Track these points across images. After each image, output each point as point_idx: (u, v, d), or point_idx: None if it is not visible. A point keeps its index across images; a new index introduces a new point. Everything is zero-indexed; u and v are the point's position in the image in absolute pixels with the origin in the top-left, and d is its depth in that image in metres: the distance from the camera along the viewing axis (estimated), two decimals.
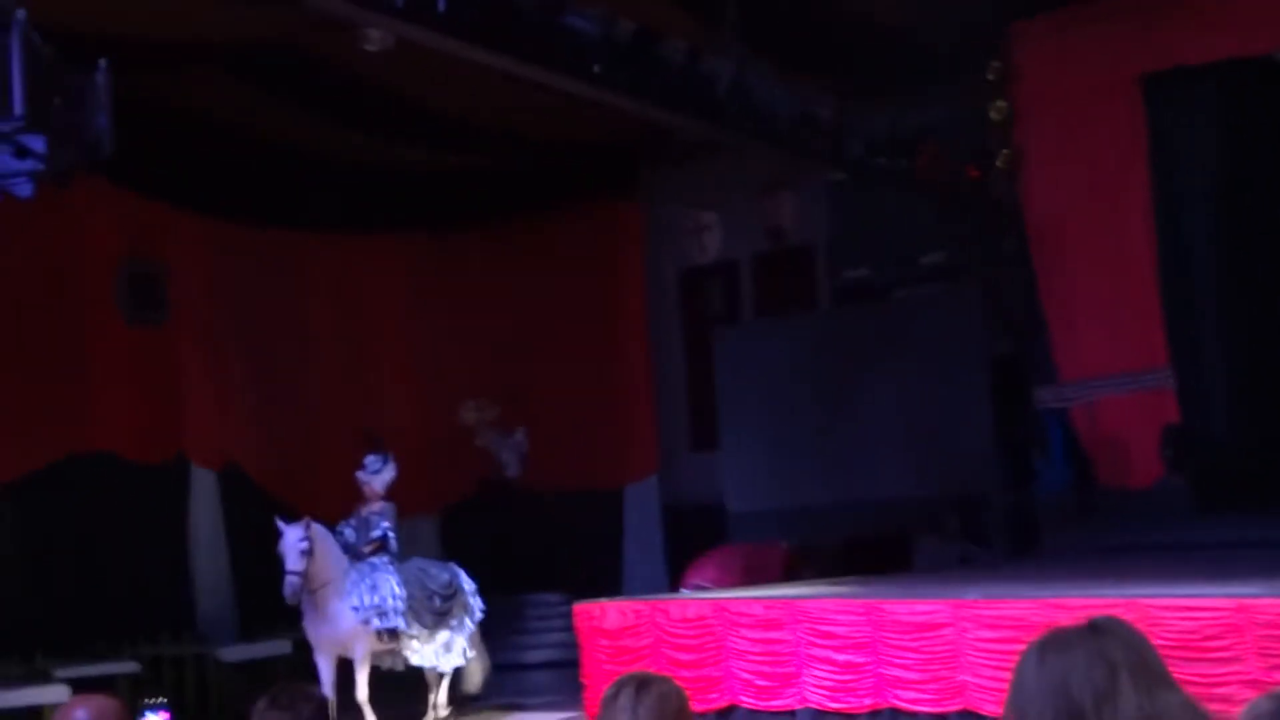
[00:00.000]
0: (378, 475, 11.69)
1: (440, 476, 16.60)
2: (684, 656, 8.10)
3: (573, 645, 14.99)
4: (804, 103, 10.28)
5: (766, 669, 7.97)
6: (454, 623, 11.66)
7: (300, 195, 15.58)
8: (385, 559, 11.35)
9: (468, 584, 11.92)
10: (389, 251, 16.67)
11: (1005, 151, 12.38)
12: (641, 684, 3.59)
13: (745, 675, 8.07)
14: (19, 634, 12.62)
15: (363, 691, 10.91)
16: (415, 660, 11.38)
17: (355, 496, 15.90)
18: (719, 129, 9.88)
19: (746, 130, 9.91)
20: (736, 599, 8.35)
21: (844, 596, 8.20)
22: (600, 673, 8.75)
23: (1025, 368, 12.88)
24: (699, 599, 8.50)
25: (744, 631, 8.06)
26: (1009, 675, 6.44)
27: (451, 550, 17.21)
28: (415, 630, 11.24)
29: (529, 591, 16.06)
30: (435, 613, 11.45)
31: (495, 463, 16.36)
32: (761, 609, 8.09)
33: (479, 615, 11.96)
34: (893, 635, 7.61)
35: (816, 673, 7.79)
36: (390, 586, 11.08)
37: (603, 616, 8.65)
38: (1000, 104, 12.35)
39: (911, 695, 7.53)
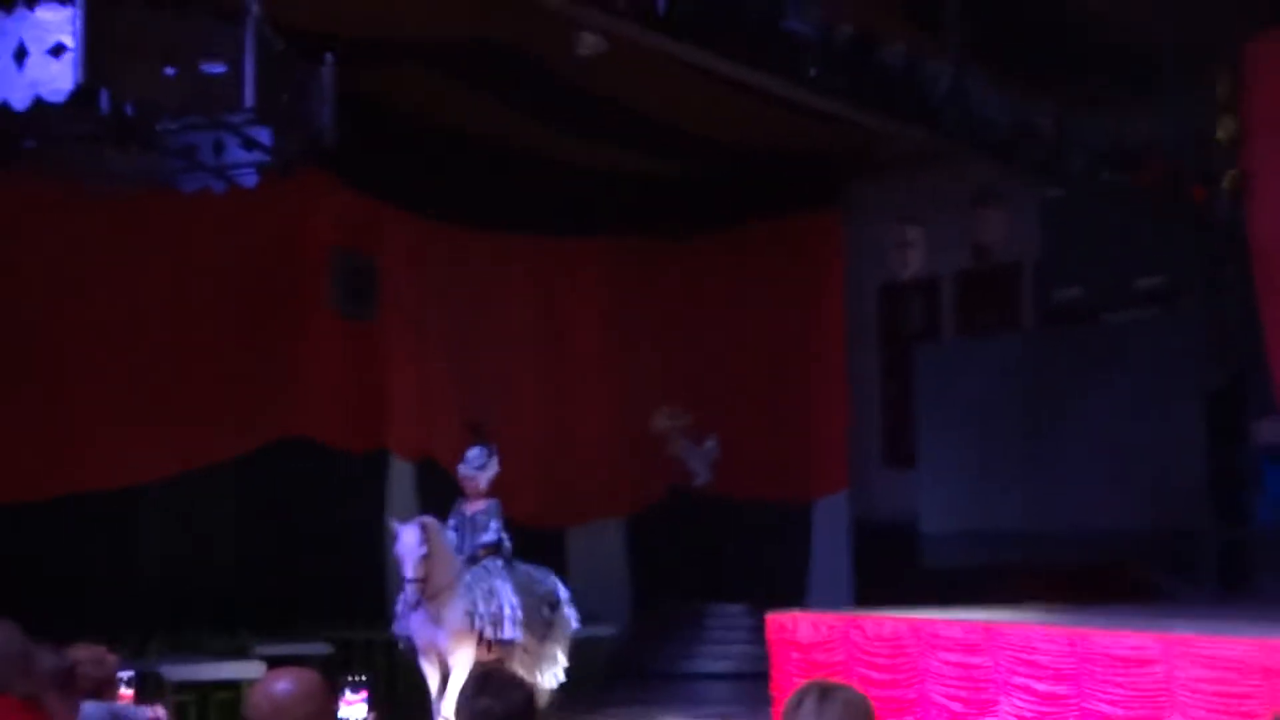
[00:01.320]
0: (482, 471, 10.83)
1: (630, 481, 16.63)
2: (877, 675, 7.88)
3: (754, 657, 14.95)
4: (1023, 111, 9.96)
5: (964, 694, 7.70)
6: (558, 635, 10.79)
7: (506, 196, 15.71)
8: (499, 563, 10.54)
9: (563, 593, 11.03)
10: (590, 255, 16.75)
11: (1232, 172, 11.81)
12: (825, 691, 3.42)
13: (940, 698, 7.81)
14: (224, 608, 12.98)
15: (452, 704, 10.15)
16: (520, 675, 10.69)
17: (551, 499, 16.09)
18: (935, 136, 9.62)
19: (963, 138, 9.63)
20: (935, 620, 8.09)
21: (1047, 623, 7.86)
22: (790, 685, 8.56)
23: (1242, 401, 12.27)
24: (895, 617, 8.25)
25: (941, 654, 7.81)
26: (1223, 718, 6.08)
27: (636, 555, 17.24)
28: (526, 642, 10.40)
29: (712, 600, 15.96)
30: (545, 623, 10.64)
31: (685, 470, 16.30)
32: (961, 631, 7.82)
33: (573, 628, 10.99)
34: (1097, 668, 7.28)
35: (1016, 701, 7.50)
36: (507, 594, 10.30)
37: (795, 629, 8.47)
38: (1229, 122, 11.78)
39: None
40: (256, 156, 9.09)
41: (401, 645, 10.45)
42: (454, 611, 9.96)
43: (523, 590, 10.43)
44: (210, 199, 11.49)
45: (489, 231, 15.83)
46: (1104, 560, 12.65)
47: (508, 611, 10.19)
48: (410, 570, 9.73)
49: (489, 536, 10.51)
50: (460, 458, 10.88)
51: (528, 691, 3.79)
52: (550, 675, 10.57)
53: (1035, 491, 12.94)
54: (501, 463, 10.91)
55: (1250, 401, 12.19)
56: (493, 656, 10.09)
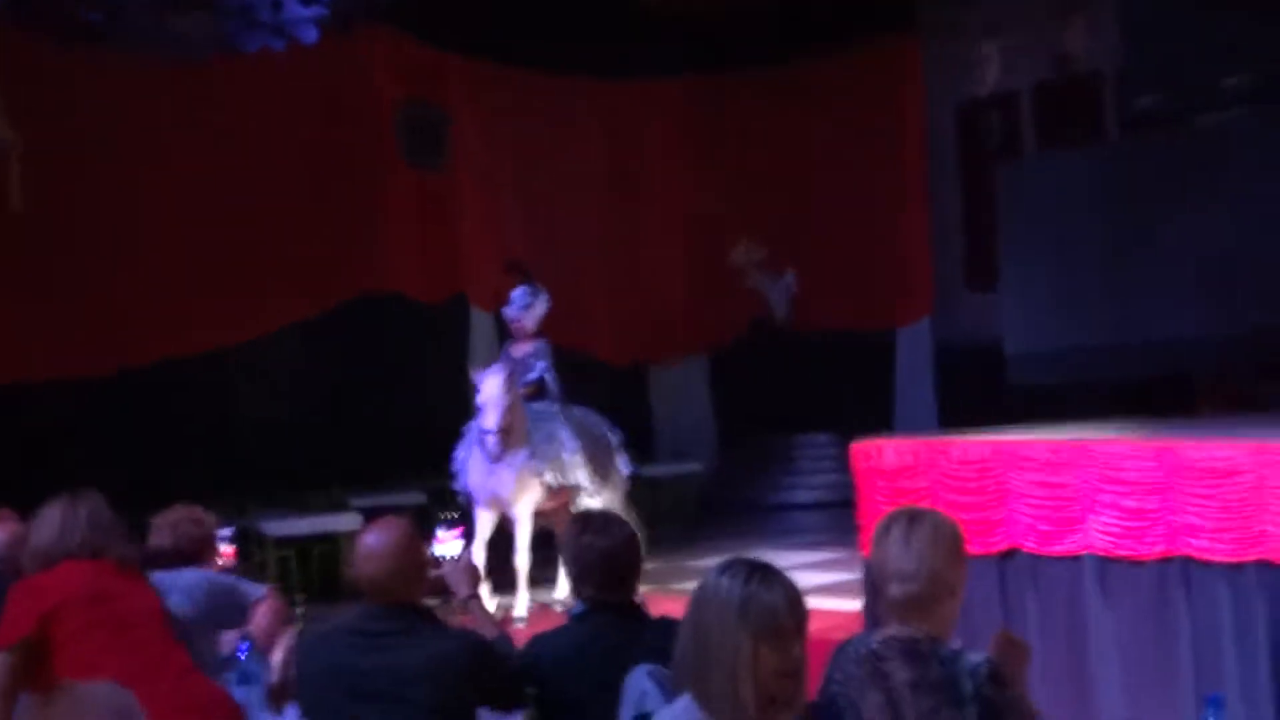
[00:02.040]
0: (529, 310, 10.45)
1: (710, 317, 16.69)
2: (964, 499, 7.89)
3: (841, 486, 15.02)
4: None
5: (1050, 513, 7.70)
6: (615, 481, 10.38)
7: (574, 39, 15.45)
8: (555, 406, 10.24)
9: (614, 438, 10.64)
10: (660, 95, 16.56)
11: None
12: (913, 517, 3.49)
13: (1027, 519, 7.82)
14: (318, 466, 13.32)
15: (524, 557, 9.79)
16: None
17: (630, 337, 16.20)
18: None
19: None
20: (1020, 440, 8.10)
21: (1133, 438, 7.84)
22: (877, 513, 8.60)
23: None
24: (979, 440, 8.27)
25: (1027, 474, 7.79)
26: None
27: (720, 390, 17.38)
28: (590, 486, 10.04)
29: (798, 432, 16.09)
30: (603, 467, 10.22)
31: (765, 303, 16.32)
32: (1046, 451, 7.80)
33: (626, 473, 10.65)
34: (1186, 481, 7.23)
35: (1104, 518, 7.49)
36: (566, 437, 9.98)
37: (880, 456, 8.47)
38: None
39: (1205, 543, 7.16)
40: (314, 11, 9.05)
41: (463, 499, 10.03)
42: (515, 457, 9.56)
43: (581, 433, 10.12)
44: (274, 60, 11.58)
45: (558, 74, 15.71)
46: (1189, 370, 12.45)
47: (566, 456, 9.91)
48: (495, 419, 9.33)
49: (531, 375, 10.21)
50: (505, 300, 10.63)
51: (630, 529, 3.91)
52: None
53: (1122, 306, 12.47)
54: (550, 300, 10.57)
55: None
56: (553, 504, 9.87)
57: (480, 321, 15.00)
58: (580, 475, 9.95)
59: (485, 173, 15.14)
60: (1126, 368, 12.57)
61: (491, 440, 9.40)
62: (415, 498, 12.95)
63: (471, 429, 10.01)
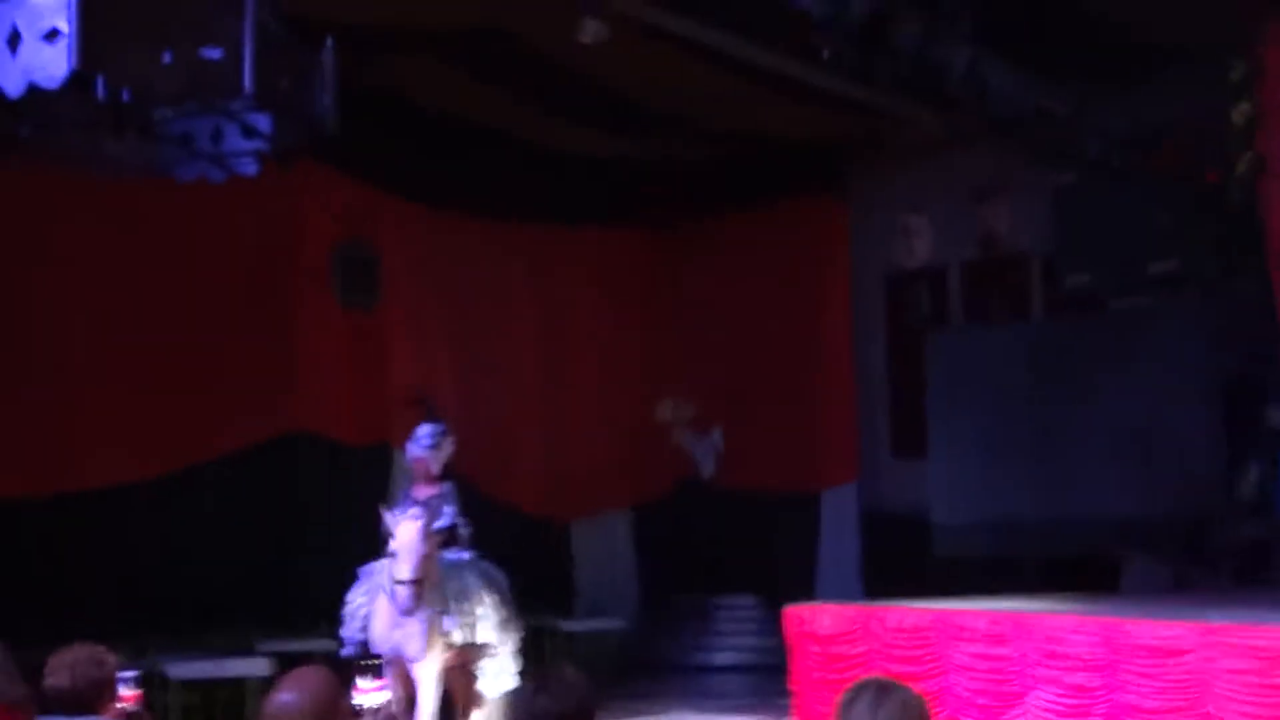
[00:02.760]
0: (436, 450, 9.52)
1: (635, 473, 16.39)
2: (900, 669, 7.62)
3: (764, 650, 14.78)
4: (1038, 96, 9.70)
5: (990, 687, 7.45)
6: (513, 634, 9.49)
7: (507, 186, 15.45)
8: (466, 556, 9.39)
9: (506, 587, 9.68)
10: (592, 244, 16.45)
11: (1247, 156, 11.53)
12: (882, 689, 3.21)
13: (966, 693, 7.56)
14: (225, 607, 12.74)
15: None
16: (482, 681, 9.21)
17: (555, 491, 15.82)
18: (951, 120, 9.37)
19: (979, 123, 9.38)
20: (960, 610, 7.84)
21: (1076, 613, 7.61)
22: (810, 679, 8.32)
23: (1258, 387, 12.02)
24: (919, 608, 8.00)
25: (966, 645, 7.56)
26: (1262, 710, 5.83)
27: (643, 548, 17.00)
28: (497, 646, 9.22)
29: (720, 594, 15.74)
30: (506, 620, 9.37)
31: (691, 462, 16.08)
32: (986, 623, 7.56)
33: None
34: (1129, 659, 7.03)
35: (1045, 695, 7.26)
36: (480, 591, 9.14)
37: (814, 621, 8.23)
38: (1244, 106, 11.49)
39: None
40: (256, 144, 8.81)
41: (348, 653, 9.00)
42: (424, 611, 8.68)
43: (490, 586, 9.30)
44: (209, 189, 11.21)
45: (490, 221, 15.58)
46: (1112, 548, 12.40)
47: (480, 612, 9.08)
48: (410, 570, 8.50)
49: (444, 521, 9.21)
50: (409, 434, 9.69)
51: (586, 689, 3.55)
52: (506, 679, 9.17)
53: (1048, 480, 12.67)
54: (455, 442, 9.67)
55: (1267, 387, 11.94)
56: (454, 661, 9.02)
57: (403, 466, 14.54)
58: (491, 634, 9.15)
59: (415, 314, 14.87)
60: (1053, 543, 12.58)
61: (405, 593, 8.53)
62: (327, 644, 12.36)
63: (370, 572, 9.25)
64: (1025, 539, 12.60)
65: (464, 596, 9.03)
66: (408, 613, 8.57)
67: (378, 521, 9.05)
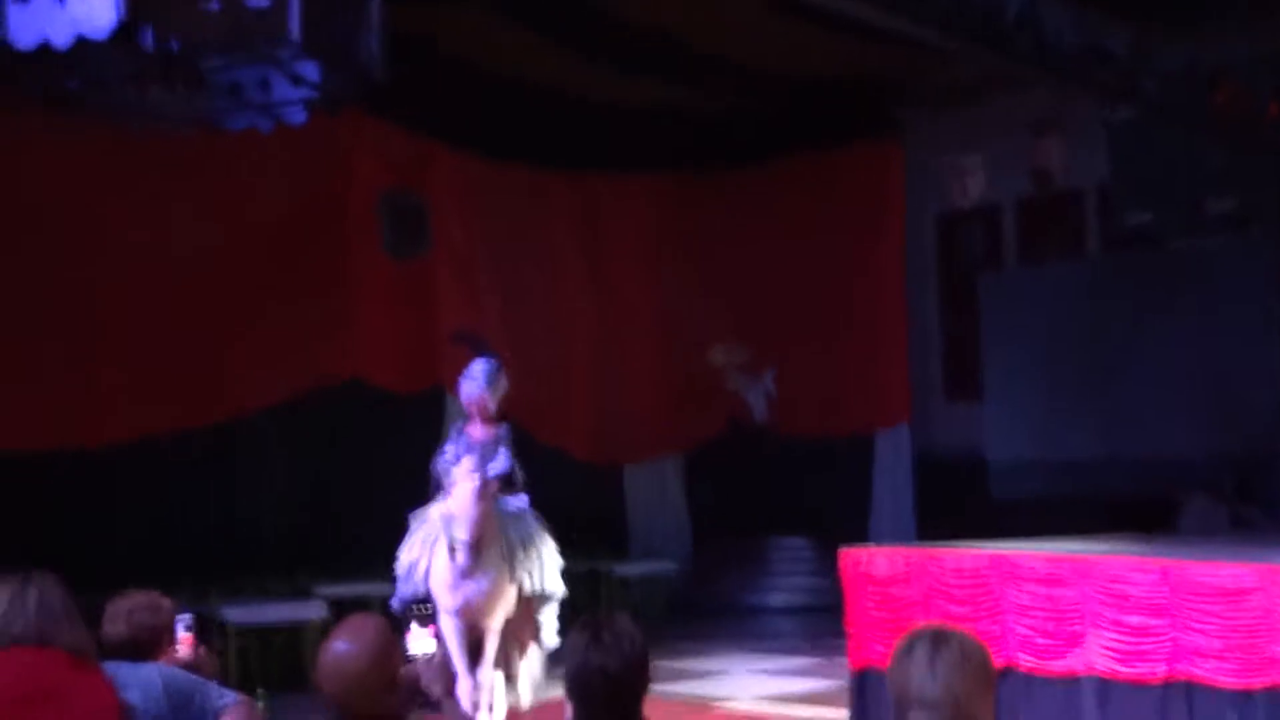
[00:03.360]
0: (493, 388, 8.80)
1: (687, 417, 16.34)
2: (957, 609, 7.55)
3: (817, 590, 14.76)
4: (1095, 33, 9.43)
5: (1049, 628, 7.36)
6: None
7: (557, 134, 15.33)
8: (526, 502, 8.91)
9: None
10: (641, 192, 16.34)
11: None
12: (938, 638, 3.11)
13: (1024, 633, 7.47)
14: (284, 553, 12.84)
15: (491, 672, 8.38)
16: (545, 629, 8.84)
17: (607, 437, 15.78)
18: (1006, 59, 9.13)
19: (1034, 61, 9.13)
20: (1017, 552, 7.74)
21: (1132, 554, 7.50)
22: (866, 620, 8.26)
23: None
24: (976, 550, 7.91)
25: (1025, 587, 7.47)
26: None
27: (696, 489, 16.98)
28: (560, 593, 8.81)
29: (774, 535, 15.71)
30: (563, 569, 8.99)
31: (744, 405, 15.99)
32: (1044, 564, 7.47)
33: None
34: (1192, 600, 6.92)
35: (1106, 636, 7.15)
36: (542, 539, 8.73)
37: (870, 563, 8.15)
38: None
39: (1212, 665, 6.82)
40: (304, 93, 8.76)
41: (397, 607, 8.44)
42: (485, 572, 8.25)
43: (550, 533, 8.88)
44: (258, 139, 11.22)
45: (540, 170, 15.51)
46: (1169, 487, 12.24)
47: (547, 557, 8.67)
48: (468, 532, 8.08)
49: (503, 466, 8.62)
50: (461, 373, 8.98)
51: (641, 645, 3.47)
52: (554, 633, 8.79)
53: (1105, 420, 12.51)
54: (510, 379, 9.03)
55: None
56: (522, 612, 8.63)
57: (456, 411, 14.54)
58: (556, 582, 8.73)
59: (465, 263, 14.84)
60: (1110, 483, 12.36)
61: (463, 553, 8.14)
62: (382, 589, 12.43)
63: (422, 519, 8.84)
64: (1081, 479, 12.42)
65: (528, 544, 8.62)
66: (467, 574, 8.20)
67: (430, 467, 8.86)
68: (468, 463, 8.36)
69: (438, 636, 7.79)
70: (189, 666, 4.53)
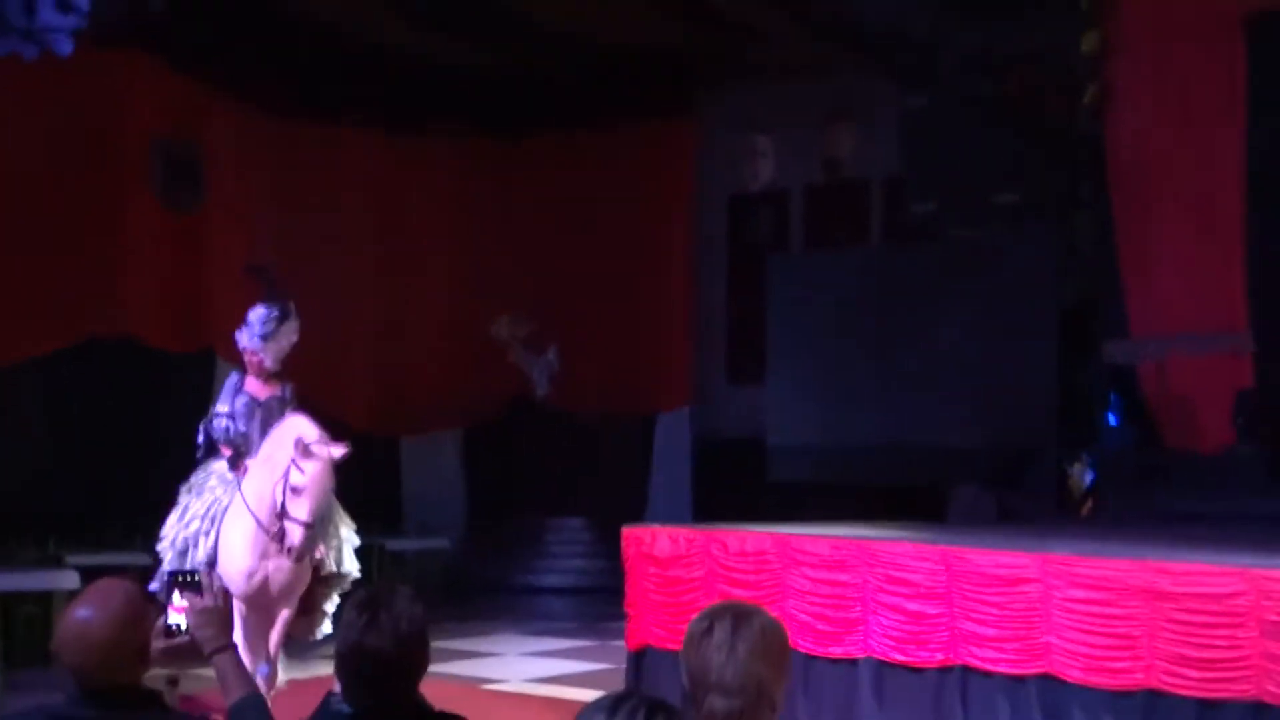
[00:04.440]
0: (272, 340, 7.72)
1: (468, 391, 15.97)
2: (739, 592, 7.42)
3: (593, 572, 14.62)
4: (897, 15, 9.50)
5: (829, 613, 7.31)
6: None
7: (344, 89, 14.82)
8: None
9: None
10: (431, 154, 15.88)
11: (1093, 86, 11.52)
12: (739, 617, 2.91)
13: (804, 617, 7.40)
14: (33, 517, 12.08)
15: (278, 643, 7.79)
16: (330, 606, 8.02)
17: (386, 408, 15.26)
18: (808, 35, 9.10)
19: (837, 38, 9.13)
20: (801, 535, 7.67)
21: (917, 540, 7.50)
22: (647, 602, 8.09)
23: (1095, 319, 12.14)
24: (760, 532, 7.81)
25: (806, 570, 7.40)
26: (1099, 639, 5.74)
27: (474, 465, 16.63)
28: (355, 571, 8.08)
29: (551, 515, 15.49)
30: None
31: (526, 380, 15.72)
32: (827, 548, 7.41)
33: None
34: (971, 587, 6.93)
35: (884, 620, 7.13)
36: (342, 518, 8.00)
37: (653, 543, 7.98)
38: (1092, 35, 11.44)
39: (989, 654, 6.85)
40: (73, 21, 8.29)
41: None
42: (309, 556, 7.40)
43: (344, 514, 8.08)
44: (21, 69, 10.46)
45: (325, 126, 14.91)
46: (940, 476, 12.44)
47: (345, 538, 7.91)
48: (310, 511, 7.14)
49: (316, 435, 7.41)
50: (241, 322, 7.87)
51: (420, 623, 3.18)
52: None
53: (884, 408, 12.61)
54: (300, 330, 7.95)
55: (1102, 321, 12.06)
56: (319, 593, 7.89)
57: (227, 374, 13.86)
58: (352, 563, 7.95)
59: (243, 219, 14.09)
60: (886, 471, 12.50)
61: (299, 536, 7.12)
62: (140, 558, 11.74)
63: (198, 491, 7.89)
64: (858, 466, 12.56)
65: (328, 520, 7.73)
66: (299, 558, 7.26)
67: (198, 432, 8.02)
68: (308, 428, 7.21)
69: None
70: None
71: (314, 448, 7.15)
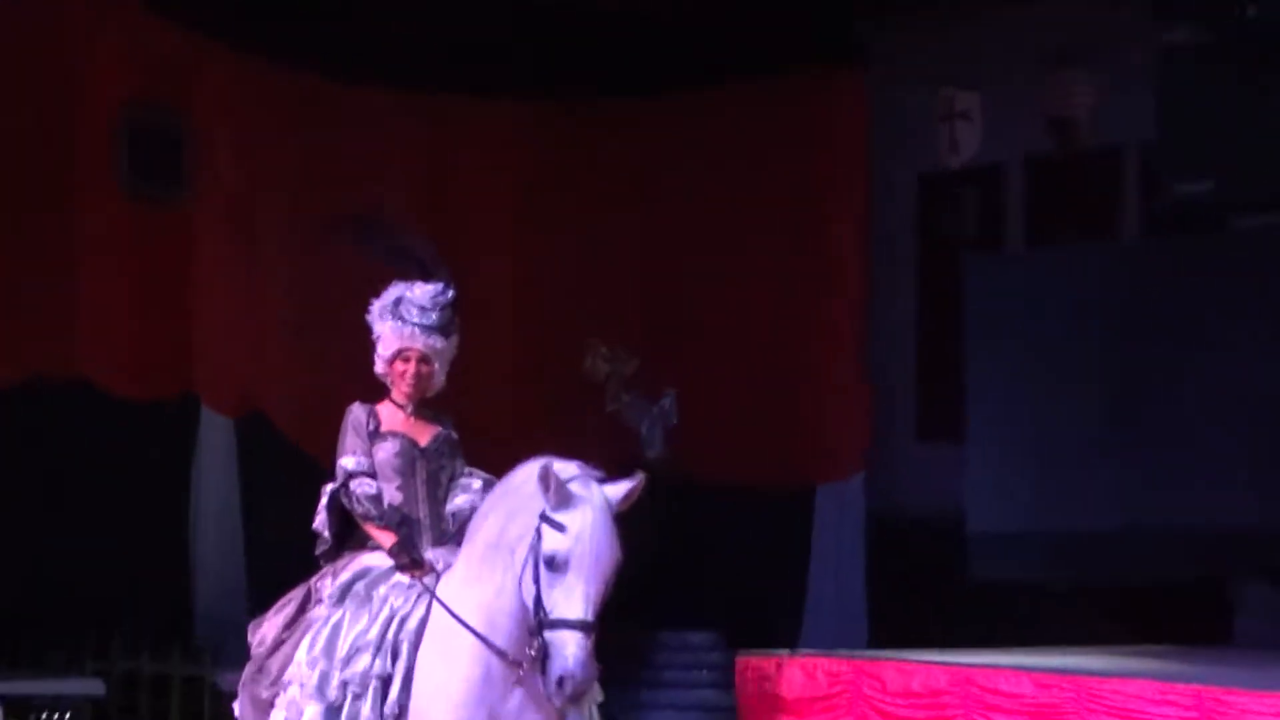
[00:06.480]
0: (441, 335, 6.72)
1: (550, 450, 15.98)
2: None
3: (723, 710, 14.46)
4: None
5: None
6: None
7: (378, 36, 15.04)
8: None
9: None
10: (497, 122, 16.20)
11: None
12: None
13: None
14: None
15: None
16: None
17: None
18: None
19: None
20: (993, 668, 7.57)
21: (1156, 677, 7.35)
22: None
23: None
24: (930, 663, 7.74)
25: (1001, 717, 7.29)
26: None
27: None
28: None
29: (667, 627, 15.38)
30: None
31: (631, 436, 15.70)
32: (1030, 686, 7.28)
33: None
34: None
35: None
36: None
37: (779, 677, 7.96)
38: None
39: None
40: None
41: None
42: None
43: None
44: None
45: (351, 85, 15.27)
46: (1221, 571, 12.55)
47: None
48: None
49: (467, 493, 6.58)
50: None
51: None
52: None
53: (1131, 475, 12.70)
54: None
55: None
56: None
57: (214, 429, 14.38)
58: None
59: (239, 216, 14.49)
60: (1136, 564, 12.53)
61: (578, 656, 5.86)
62: (91, 686, 12.29)
63: (348, 594, 6.56)
64: (1096, 558, 12.69)
65: None
66: (575, 697, 5.83)
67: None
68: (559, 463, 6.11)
69: None
70: None
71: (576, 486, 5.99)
